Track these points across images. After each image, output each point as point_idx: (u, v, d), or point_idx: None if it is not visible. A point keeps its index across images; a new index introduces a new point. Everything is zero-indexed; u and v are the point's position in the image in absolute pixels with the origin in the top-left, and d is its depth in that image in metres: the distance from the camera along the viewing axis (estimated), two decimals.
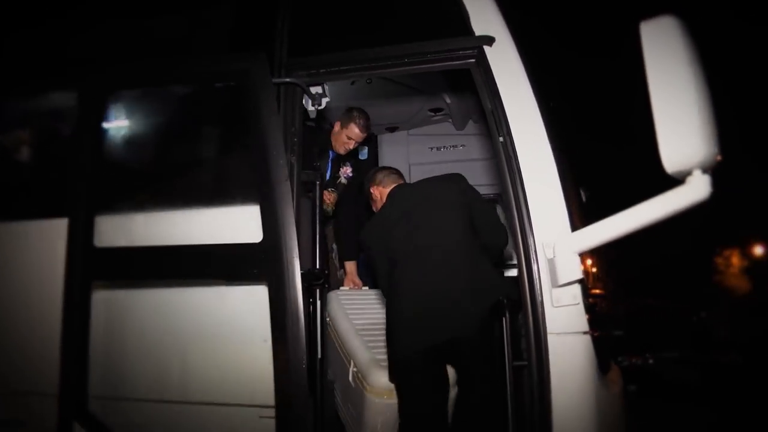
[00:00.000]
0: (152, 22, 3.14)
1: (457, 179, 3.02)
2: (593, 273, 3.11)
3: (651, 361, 10.77)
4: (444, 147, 5.28)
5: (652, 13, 1.99)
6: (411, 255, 2.82)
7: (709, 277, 32.90)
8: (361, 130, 3.65)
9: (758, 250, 31.54)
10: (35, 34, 3.14)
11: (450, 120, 5.13)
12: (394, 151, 5.30)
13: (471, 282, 2.72)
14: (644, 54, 1.93)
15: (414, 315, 2.72)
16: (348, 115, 3.65)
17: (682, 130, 1.85)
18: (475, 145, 5.01)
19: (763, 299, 14.64)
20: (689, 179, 1.91)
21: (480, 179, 4.82)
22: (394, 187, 3.16)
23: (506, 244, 2.85)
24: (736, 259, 33.12)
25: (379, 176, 3.28)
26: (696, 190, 1.90)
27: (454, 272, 2.75)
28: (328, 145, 3.78)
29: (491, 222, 2.91)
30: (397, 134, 5.38)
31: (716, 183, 1.92)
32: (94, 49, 3.00)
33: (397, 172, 3.32)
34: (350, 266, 3.95)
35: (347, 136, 3.67)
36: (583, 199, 3.08)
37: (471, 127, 5.11)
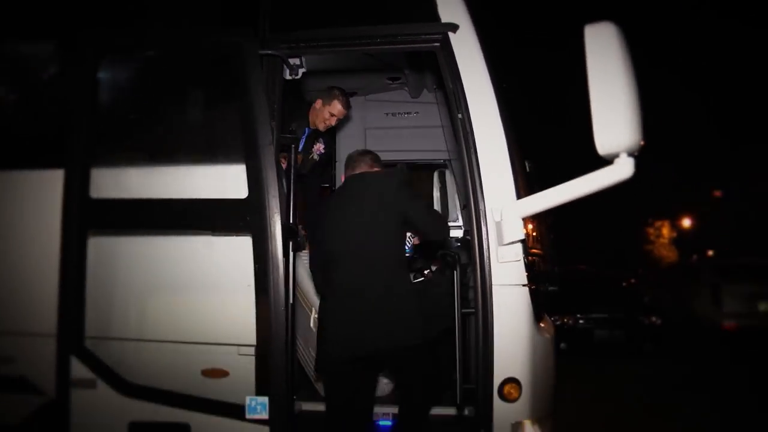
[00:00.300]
0: None
1: (395, 176, 3.00)
2: (533, 236, 3.50)
3: (581, 322, 11.56)
4: (399, 113, 5.51)
5: (597, 17, 2.36)
6: (343, 256, 2.85)
7: (640, 246, 34.84)
8: (343, 106, 3.86)
9: (686, 223, 33.47)
10: None
11: (406, 88, 5.36)
12: (351, 116, 5.54)
13: (398, 293, 2.82)
14: (586, 52, 2.30)
15: (344, 322, 2.80)
16: (329, 93, 3.85)
17: (612, 119, 2.24)
18: (428, 113, 5.27)
19: (685, 268, 15.74)
20: (617, 161, 2.31)
21: (432, 145, 5.16)
22: (346, 177, 3.15)
23: (447, 237, 3.08)
24: (666, 231, 35.03)
25: (348, 160, 3.20)
26: (622, 169, 2.32)
27: (382, 280, 2.80)
28: (304, 121, 4.00)
29: (429, 221, 2.98)
30: (355, 99, 5.60)
31: (639, 165, 2.34)
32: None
33: (367, 158, 3.16)
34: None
35: (330, 112, 3.85)
36: (528, 171, 3.46)
37: (425, 95, 5.37)
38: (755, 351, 10.27)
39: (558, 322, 11.79)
